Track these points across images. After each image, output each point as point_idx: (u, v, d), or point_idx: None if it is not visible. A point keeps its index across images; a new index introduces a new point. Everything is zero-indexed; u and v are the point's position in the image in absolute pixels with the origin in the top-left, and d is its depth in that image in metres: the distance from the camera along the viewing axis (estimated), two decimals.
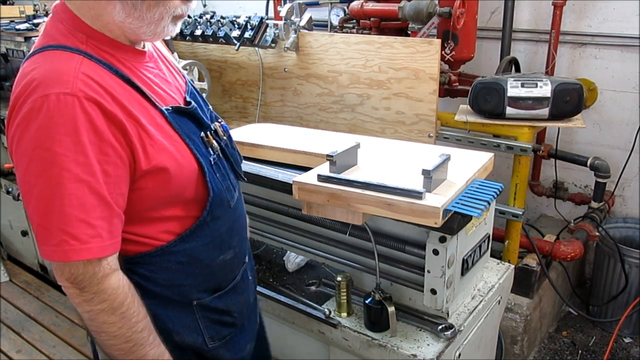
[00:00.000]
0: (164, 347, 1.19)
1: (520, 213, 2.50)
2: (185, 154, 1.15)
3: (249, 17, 2.71)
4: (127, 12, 1.05)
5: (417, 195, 1.40)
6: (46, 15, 3.14)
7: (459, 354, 1.63)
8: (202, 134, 1.23)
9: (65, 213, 0.99)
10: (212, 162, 1.22)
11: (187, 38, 2.89)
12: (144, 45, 1.21)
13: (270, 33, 2.67)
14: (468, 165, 1.61)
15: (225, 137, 1.32)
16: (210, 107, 1.36)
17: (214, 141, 1.25)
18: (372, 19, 2.92)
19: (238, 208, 1.34)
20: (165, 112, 1.14)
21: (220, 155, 1.28)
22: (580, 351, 2.89)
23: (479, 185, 1.55)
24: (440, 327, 1.59)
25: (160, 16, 1.08)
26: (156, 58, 1.25)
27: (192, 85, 1.34)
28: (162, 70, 1.24)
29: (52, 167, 0.98)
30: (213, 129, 1.29)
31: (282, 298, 1.82)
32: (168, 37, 1.21)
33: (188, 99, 1.25)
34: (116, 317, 1.06)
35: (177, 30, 1.17)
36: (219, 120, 1.36)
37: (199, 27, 2.83)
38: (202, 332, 1.30)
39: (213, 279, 1.29)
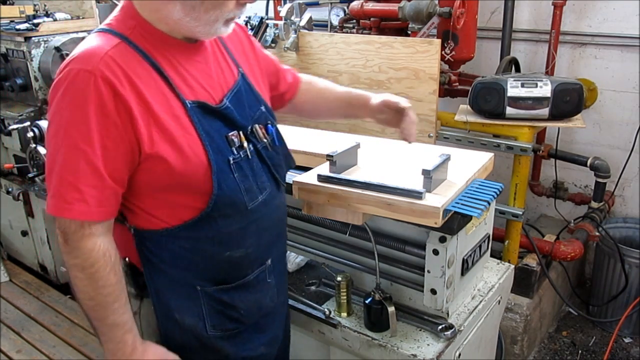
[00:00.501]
0: (130, 320, 1.25)
1: (520, 213, 2.50)
2: (197, 148, 1.18)
3: (249, 17, 2.71)
4: (186, 12, 1.13)
5: (417, 195, 1.40)
6: (46, 15, 3.14)
7: (459, 354, 1.63)
8: (231, 133, 1.25)
9: (60, 174, 1.12)
10: (232, 161, 1.23)
11: None
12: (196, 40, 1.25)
13: (270, 33, 2.67)
14: (468, 165, 1.61)
15: (265, 140, 1.33)
16: (263, 107, 1.37)
17: (245, 142, 1.27)
18: (372, 19, 2.93)
19: (261, 211, 1.32)
20: (188, 105, 1.18)
21: (251, 156, 1.28)
22: (580, 351, 2.89)
23: (479, 185, 1.55)
24: (440, 327, 1.59)
25: (215, 18, 1.16)
26: (209, 53, 1.28)
27: (247, 84, 1.35)
28: (209, 66, 1.27)
29: (60, 132, 1.12)
30: (250, 129, 1.30)
31: None
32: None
33: (225, 99, 1.27)
34: (84, 275, 1.17)
35: (230, 31, 1.24)
36: (268, 122, 1.36)
37: None
38: (204, 318, 1.33)
39: (217, 271, 1.32)
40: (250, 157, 1.28)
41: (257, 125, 1.32)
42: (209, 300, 1.32)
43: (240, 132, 1.27)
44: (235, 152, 1.25)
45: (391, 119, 1.55)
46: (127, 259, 1.34)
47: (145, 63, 1.15)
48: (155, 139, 1.14)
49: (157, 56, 1.17)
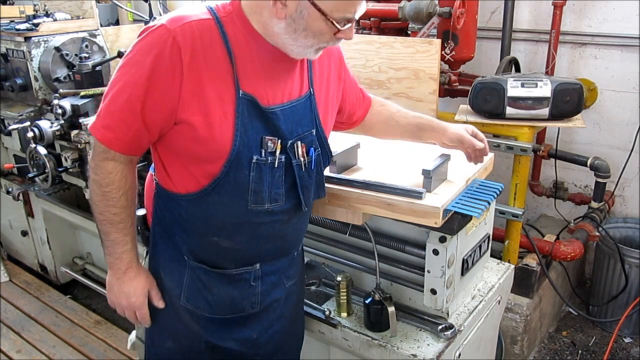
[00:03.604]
0: (131, 241, 1.39)
1: (520, 213, 2.50)
2: (227, 134, 1.24)
3: None
4: (287, 32, 1.21)
5: (417, 195, 1.40)
6: (46, 15, 3.13)
7: (459, 354, 1.63)
8: (269, 137, 1.28)
9: (109, 101, 1.25)
10: (255, 161, 1.27)
11: None
12: None
13: None
14: (468, 165, 1.61)
15: (302, 160, 1.35)
16: (314, 132, 1.38)
17: (278, 151, 1.30)
18: (372, 19, 2.92)
19: (262, 218, 1.35)
20: (240, 94, 1.24)
21: (277, 166, 1.31)
22: (580, 351, 2.88)
23: (479, 185, 1.55)
24: (440, 327, 1.59)
25: (311, 44, 1.23)
26: (289, 61, 1.31)
27: (310, 104, 1.38)
28: (280, 72, 1.32)
29: (125, 67, 1.24)
30: (290, 144, 1.32)
31: None
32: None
33: (279, 107, 1.30)
34: (99, 191, 1.32)
35: (316, 56, 1.31)
36: (314, 146, 1.38)
37: None
38: (183, 287, 1.43)
39: (201, 250, 1.40)
40: (276, 166, 1.31)
41: (299, 143, 1.35)
42: (191, 273, 1.42)
43: (280, 141, 1.30)
44: (263, 154, 1.28)
45: (461, 147, 1.56)
46: (143, 210, 1.50)
47: (221, 44, 1.23)
48: (193, 107, 1.21)
49: (235, 43, 1.24)
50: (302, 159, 1.35)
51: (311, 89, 1.39)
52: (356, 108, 1.63)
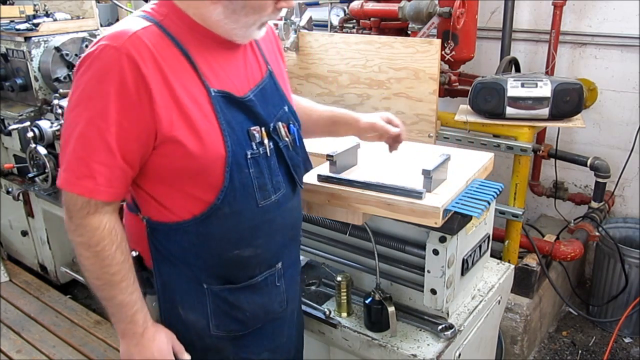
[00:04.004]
0: (140, 299, 1.23)
1: (520, 213, 2.50)
2: (216, 137, 1.17)
3: None
4: (227, 15, 1.15)
5: (417, 195, 1.40)
6: (46, 15, 3.14)
7: (459, 354, 1.63)
8: (254, 127, 1.24)
9: (74, 148, 1.11)
10: (250, 156, 1.22)
11: None
12: None
13: None
14: (468, 165, 1.61)
15: (287, 139, 1.32)
16: (287, 108, 1.35)
17: (266, 138, 1.26)
18: (372, 19, 2.92)
19: (273, 211, 1.30)
20: (212, 93, 1.17)
21: (270, 154, 1.27)
22: (580, 351, 2.89)
23: (479, 185, 1.55)
24: (440, 327, 1.59)
25: (253, 22, 1.18)
26: (240, 47, 1.28)
27: (274, 82, 1.34)
28: (238, 58, 1.27)
29: (79, 105, 1.11)
30: (273, 127, 1.28)
31: None
32: None
33: (250, 92, 1.26)
34: (90, 253, 1.16)
35: (262, 34, 1.26)
36: (291, 122, 1.35)
37: None
38: (209, 317, 1.31)
39: (225, 269, 1.30)
40: (269, 154, 1.27)
41: (280, 123, 1.31)
42: (214, 299, 1.30)
43: (263, 128, 1.26)
44: (255, 147, 1.23)
45: (378, 138, 1.56)
46: (134, 251, 1.32)
47: (174, 47, 1.15)
48: (174, 122, 1.13)
49: (186, 43, 1.17)
50: (287, 139, 1.32)
51: (268, 66, 1.35)
52: None
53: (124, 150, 1.12)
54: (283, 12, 1.26)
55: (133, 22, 1.15)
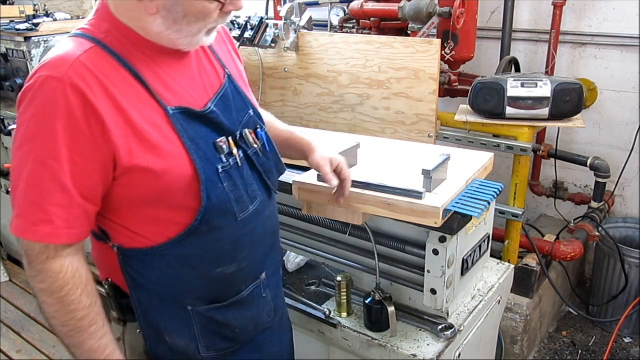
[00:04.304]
0: (111, 343, 1.16)
1: (520, 213, 2.50)
2: (182, 158, 1.10)
3: (249, 17, 2.71)
4: (168, 25, 1.07)
5: (417, 195, 1.40)
6: (46, 15, 3.14)
7: (459, 354, 1.63)
8: (220, 139, 1.17)
9: (26, 192, 1.03)
10: (221, 170, 1.16)
11: None
12: None
13: (270, 33, 2.67)
14: (468, 165, 1.61)
15: (256, 145, 1.25)
16: (252, 111, 1.29)
17: (234, 148, 1.19)
18: (372, 19, 2.93)
19: (252, 222, 1.25)
20: (170, 111, 1.10)
21: (241, 163, 1.21)
22: (580, 351, 2.88)
23: (479, 185, 1.55)
24: (440, 327, 1.59)
25: (198, 30, 1.10)
26: (193, 55, 1.21)
27: (234, 86, 1.27)
28: (192, 69, 1.20)
29: (25, 145, 1.03)
30: (240, 135, 1.22)
31: None
32: None
33: (210, 103, 1.19)
34: (53, 300, 1.08)
35: (212, 40, 1.17)
36: (258, 126, 1.29)
37: None
38: (197, 339, 1.25)
39: (209, 289, 1.24)
40: (240, 164, 1.20)
41: (246, 130, 1.24)
42: (201, 319, 1.24)
43: (229, 138, 1.19)
44: (225, 159, 1.17)
45: None
46: (109, 279, 1.25)
47: (121, 68, 1.07)
48: (134, 151, 1.05)
49: (134, 60, 1.09)
50: (255, 145, 1.25)
51: (226, 70, 1.27)
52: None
53: (82, 188, 1.04)
54: (231, 17, 1.18)
55: (73, 44, 1.06)
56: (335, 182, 1.39)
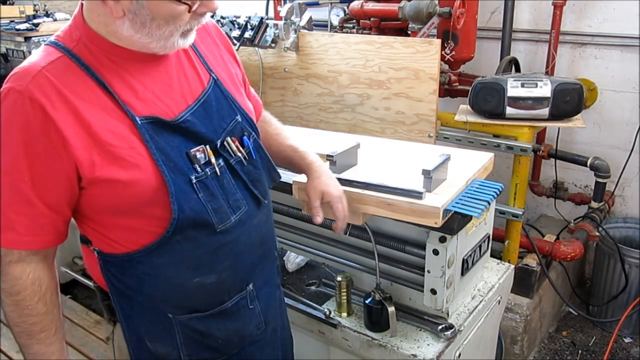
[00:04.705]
0: (58, 350, 1.18)
1: (520, 213, 2.50)
2: (147, 169, 1.07)
3: (249, 17, 2.71)
4: (136, 29, 1.04)
5: (417, 195, 1.40)
6: (46, 15, 3.14)
7: (459, 354, 1.63)
8: (195, 148, 1.13)
9: None
10: (195, 180, 1.12)
11: None
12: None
13: (270, 33, 2.67)
14: (468, 165, 1.61)
15: (240, 154, 1.21)
16: (240, 117, 1.24)
17: (212, 157, 1.15)
18: (372, 19, 2.93)
19: (235, 232, 1.21)
20: (138, 121, 1.07)
21: (220, 173, 1.17)
22: (580, 351, 2.88)
23: (479, 185, 1.55)
24: (440, 327, 1.59)
25: (170, 33, 1.07)
26: (172, 61, 1.17)
27: (220, 91, 1.23)
28: (169, 75, 1.16)
29: None
30: (220, 144, 1.18)
31: None
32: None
33: (187, 110, 1.15)
34: (10, 301, 1.11)
35: (190, 42, 1.13)
36: (245, 133, 1.24)
37: None
38: (179, 347, 1.23)
39: (188, 299, 1.21)
40: (219, 173, 1.16)
41: (228, 138, 1.19)
42: (183, 328, 1.22)
43: (207, 147, 1.15)
44: (200, 169, 1.13)
45: None
46: (94, 282, 1.27)
47: (88, 78, 1.05)
48: (97, 163, 1.04)
49: (102, 69, 1.07)
50: (239, 154, 1.21)
51: (212, 75, 1.22)
52: (257, 106, 1.46)
53: (45, 197, 1.06)
54: (207, 18, 1.14)
55: (41, 55, 1.06)
56: (318, 219, 1.36)
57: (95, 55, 1.07)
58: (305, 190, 1.41)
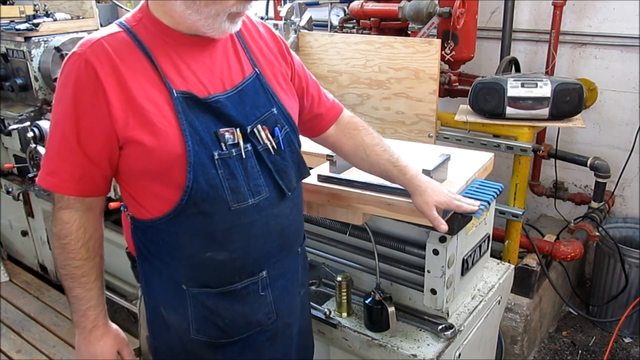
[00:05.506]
0: (97, 297, 1.29)
1: (520, 213, 2.50)
2: (173, 137, 1.16)
3: None
4: (187, 4, 1.15)
5: None
6: (46, 15, 3.13)
7: (459, 354, 1.63)
8: (223, 129, 1.21)
9: (47, 147, 1.22)
10: (217, 157, 1.19)
11: None
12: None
13: None
14: (468, 165, 1.61)
15: (268, 143, 1.27)
16: (276, 110, 1.30)
17: (241, 140, 1.22)
18: (372, 19, 2.93)
19: (251, 215, 1.25)
20: (175, 94, 1.18)
21: (245, 156, 1.23)
22: (580, 351, 2.89)
23: (479, 185, 1.55)
24: (440, 327, 1.59)
25: (216, 13, 1.16)
26: (218, 50, 1.27)
27: (260, 84, 1.30)
28: (213, 61, 1.26)
29: (53, 109, 1.21)
30: (251, 130, 1.24)
31: None
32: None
33: (223, 94, 1.23)
34: (58, 244, 1.25)
35: (237, 28, 1.23)
36: (277, 125, 1.30)
37: None
38: (189, 320, 1.30)
39: (200, 272, 1.28)
40: (244, 157, 1.23)
41: (259, 126, 1.26)
42: (194, 301, 1.29)
43: (238, 130, 1.22)
44: (225, 148, 1.20)
45: None
46: (127, 247, 1.39)
47: (139, 51, 1.18)
48: (130, 123, 1.15)
49: (153, 47, 1.19)
50: (267, 142, 1.26)
51: (256, 69, 1.31)
52: (322, 109, 1.50)
53: (87, 149, 1.17)
54: (252, 4, 1.22)
55: (105, 30, 1.21)
56: (443, 227, 1.36)
57: (151, 34, 1.20)
58: (417, 207, 1.40)
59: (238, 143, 1.22)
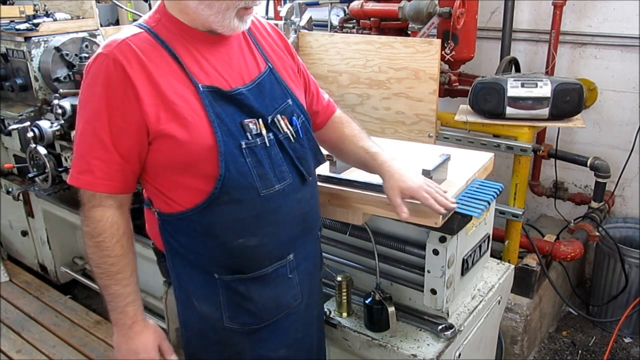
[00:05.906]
0: (134, 293, 1.31)
1: (520, 213, 2.50)
2: (204, 129, 1.21)
3: None
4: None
5: None
6: (46, 15, 3.13)
7: (459, 354, 1.63)
8: (247, 120, 1.27)
9: (77, 146, 1.24)
10: (244, 146, 1.25)
11: None
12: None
13: None
14: (468, 165, 1.61)
15: (288, 131, 1.34)
16: (291, 101, 1.37)
17: (264, 130, 1.29)
18: (372, 19, 2.92)
19: (278, 200, 1.31)
20: (200, 88, 1.23)
21: (269, 144, 1.29)
22: (580, 351, 2.88)
23: (479, 185, 1.55)
24: (440, 327, 1.59)
25: (226, 7, 1.22)
26: (234, 46, 1.34)
27: (275, 77, 1.37)
28: (230, 56, 1.32)
29: (80, 109, 1.24)
30: (271, 120, 1.31)
31: None
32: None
33: (243, 87, 1.29)
34: (92, 243, 1.27)
35: (246, 26, 1.29)
36: (294, 115, 1.37)
37: None
38: (222, 308, 1.35)
39: (232, 259, 1.33)
40: (268, 145, 1.29)
41: (279, 116, 1.33)
42: (226, 290, 1.34)
43: (260, 120, 1.29)
44: (251, 138, 1.27)
45: None
46: (154, 243, 1.42)
47: (162, 49, 1.23)
48: (161, 118, 1.19)
49: (175, 44, 1.25)
50: (287, 131, 1.34)
51: (269, 64, 1.39)
52: (319, 107, 1.57)
53: (119, 146, 1.21)
54: (260, 1, 1.30)
55: (127, 30, 1.25)
56: (404, 215, 1.37)
57: (171, 33, 1.26)
58: (385, 192, 1.42)
59: (261, 132, 1.29)
